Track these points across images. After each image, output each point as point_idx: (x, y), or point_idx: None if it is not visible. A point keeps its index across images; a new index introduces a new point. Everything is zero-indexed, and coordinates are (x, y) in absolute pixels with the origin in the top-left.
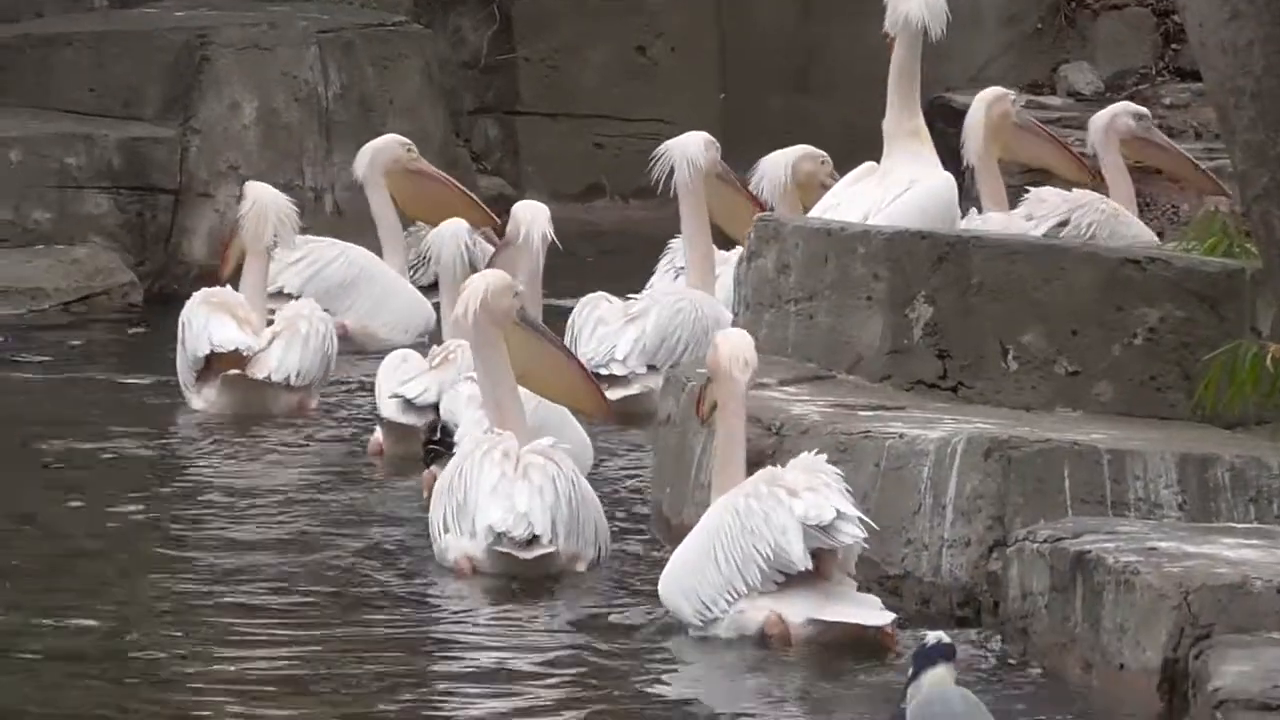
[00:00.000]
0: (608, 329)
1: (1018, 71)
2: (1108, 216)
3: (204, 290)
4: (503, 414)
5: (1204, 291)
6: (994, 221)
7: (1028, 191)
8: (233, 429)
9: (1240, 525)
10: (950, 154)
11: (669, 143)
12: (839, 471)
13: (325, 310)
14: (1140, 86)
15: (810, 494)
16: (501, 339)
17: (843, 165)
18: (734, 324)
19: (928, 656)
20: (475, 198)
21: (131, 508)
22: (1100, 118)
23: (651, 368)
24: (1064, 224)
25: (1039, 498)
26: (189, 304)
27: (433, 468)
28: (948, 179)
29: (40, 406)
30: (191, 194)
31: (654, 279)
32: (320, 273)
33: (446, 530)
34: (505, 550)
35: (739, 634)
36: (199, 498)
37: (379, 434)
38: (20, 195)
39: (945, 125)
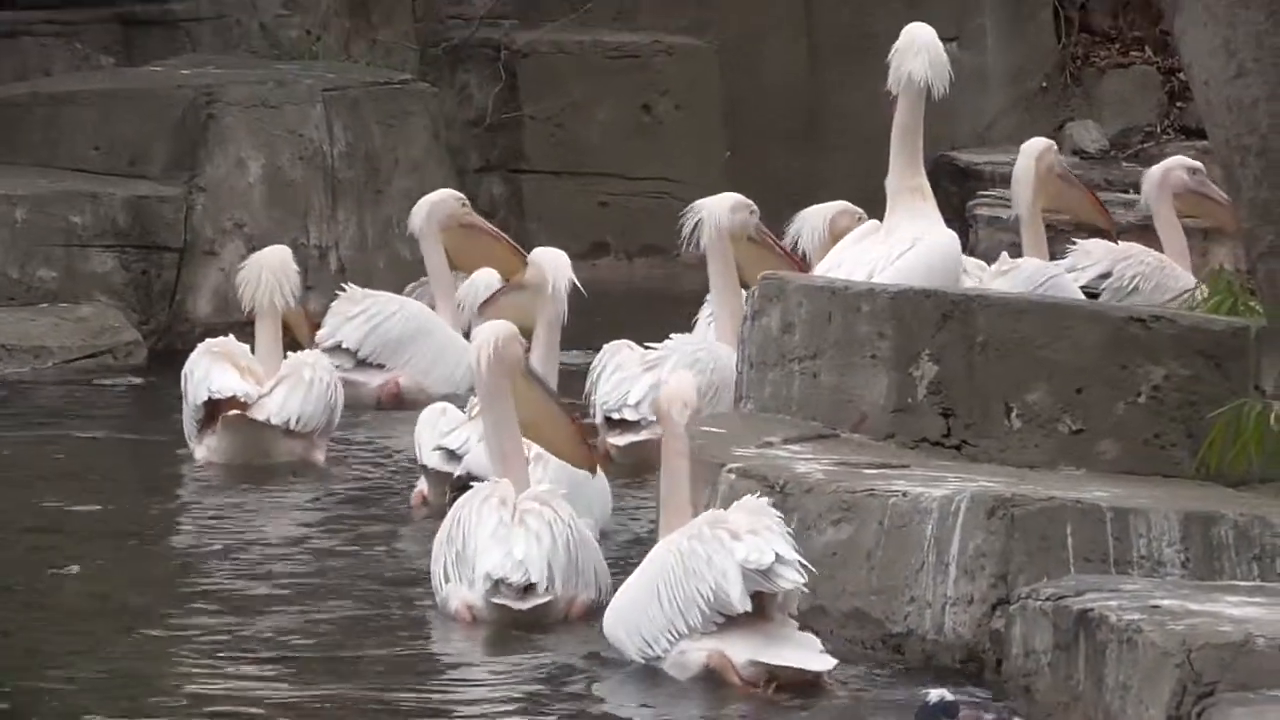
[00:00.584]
0: (624, 375)
1: (1023, 129)
2: (1153, 269)
3: (207, 340)
4: (507, 463)
5: (1209, 350)
6: (1026, 268)
7: (1074, 243)
8: (237, 481)
9: (1244, 583)
10: (954, 212)
11: (698, 202)
12: (780, 515)
13: (380, 365)
14: (1145, 144)
15: (751, 537)
16: (509, 389)
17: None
18: (738, 382)
19: (930, 715)
20: (519, 249)
21: (129, 563)
22: (1154, 172)
23: None
24: (1106, 275)
25: (1042, 556)
26: (192, 355)
27: None
28: (951, 236)
29: (42, 463)
30: (197, 252)
31: (694, 332)
32: (378, 327)
33: (447, 580)
34: (503, 601)
35: (681, 673)
36: (203, 550)
37: (422, 484)
38: (26, 253)
39: (950, 183)
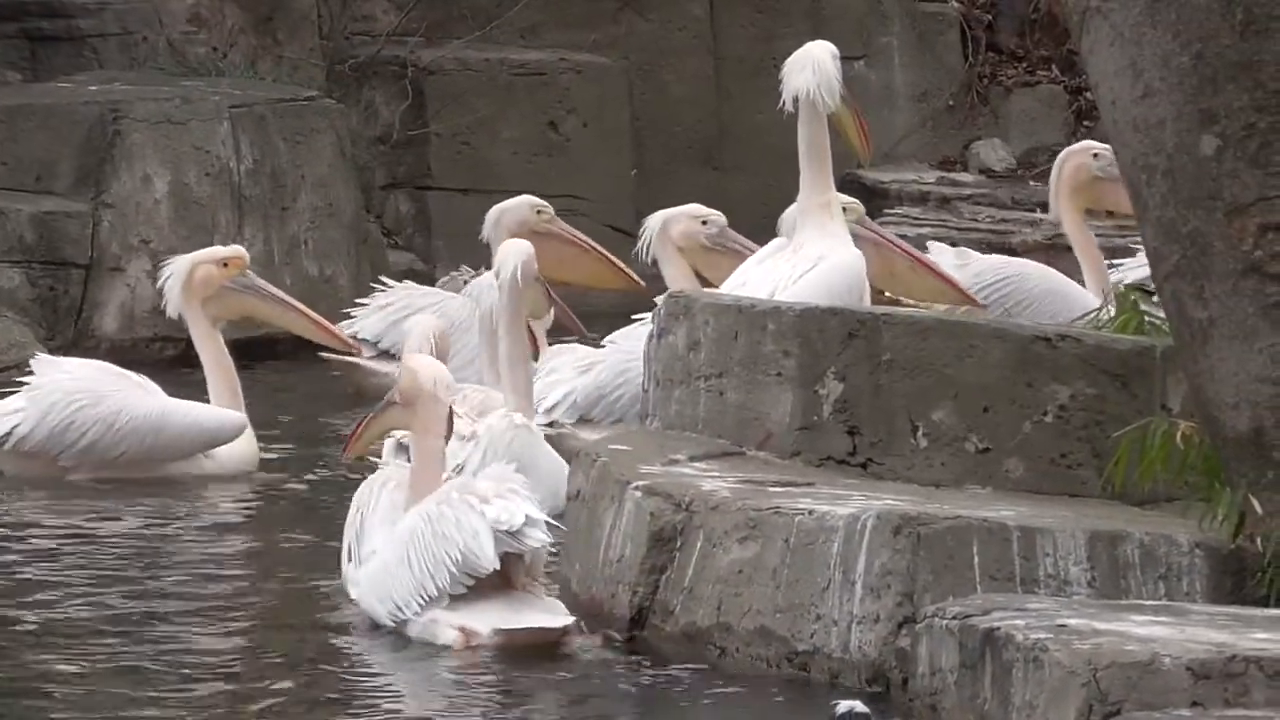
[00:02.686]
0: (557, 378)
1: (930, 148)
2: None
3: None
4: (518, 396)
5: (1114, 369)
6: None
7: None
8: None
9: (1150, 602)
10: None
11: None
12: (527, 481)
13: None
14: (1052, 163)
15: (500, 500)
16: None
17: (756, 241)
18: (643, 400)
19: None
20: (615, 260)
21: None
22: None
23: (586, 420)
24: None
25: (948, 574)
26: None
27: None
28: (856, 255)
29: None
30: (103, 268)
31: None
32: (403, 319)
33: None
34: None
35: (428, 640)
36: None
37: None
38: None
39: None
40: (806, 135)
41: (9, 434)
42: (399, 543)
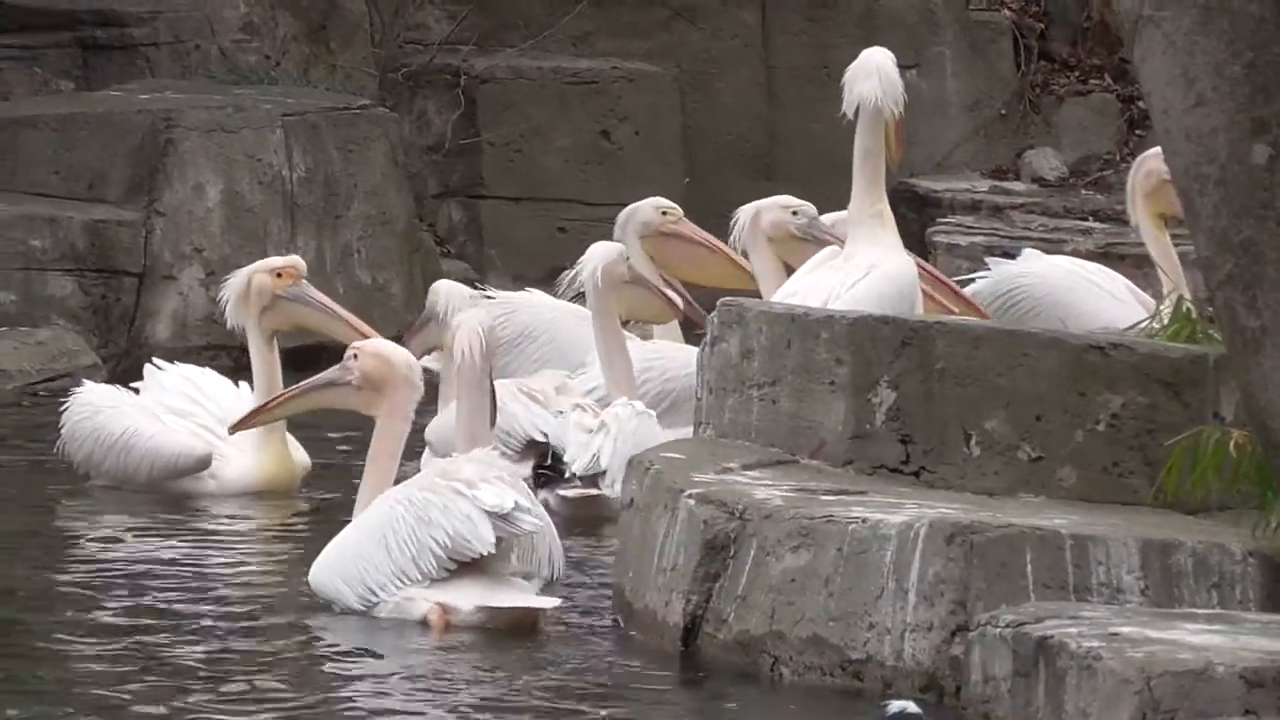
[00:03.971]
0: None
1: (983, 157)
2: None
3: None
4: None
5: (1167, 378)
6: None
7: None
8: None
9: (1202, 611)
10: (913, 239)
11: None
12: (511, 467)
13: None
14: (1104, 172)
15: (488, 485)
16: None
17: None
18: (696, 408)
19: None
20: (742, 260)
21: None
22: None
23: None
24: None
25: (1002, 583)
26: None
27: (546, 494)
28: (908, 262)
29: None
30: (156, 276)
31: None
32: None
33: None
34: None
35: (402, 618)
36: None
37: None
38: None
39: (909, 210)
40: (863, 143)
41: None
42: (370, 526)
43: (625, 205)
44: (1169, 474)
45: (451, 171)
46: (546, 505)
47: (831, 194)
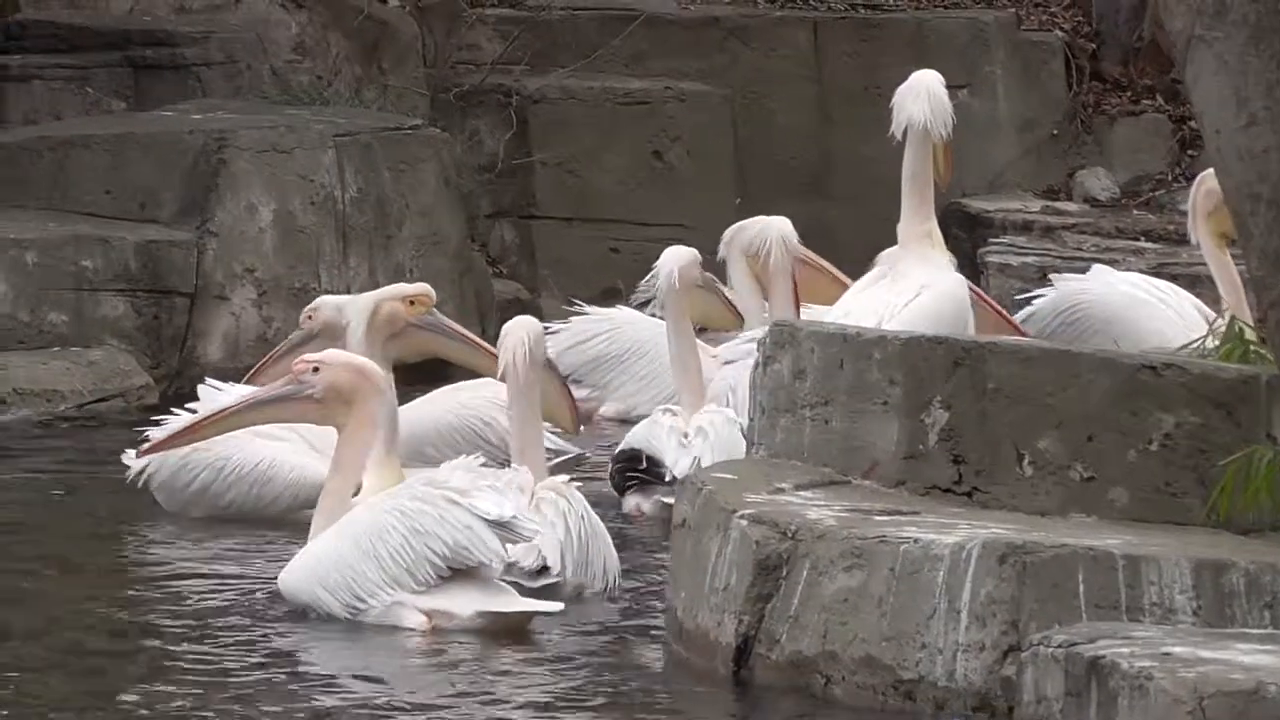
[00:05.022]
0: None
1: (1034, 177)
2: None
3: None
4: (526, 454)
5: (1219, 397)
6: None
7: None
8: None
9: (1255, 631)
10: (965, 259)
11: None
12: (497, 474)
13: (578, 382)
14: (1156, 192)
15: (480, 494)
16: (537, 384)
17: (858, 270)
18: (749, 428)
19: None
20: (848, 281)
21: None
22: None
23: None
24: None
25: (1054, 603)
26: None
27: (631, 498)
28: (959, 281)
29: (57, 506)
30: (208, 297)
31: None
32: (576, 346)
33: None
34: (514, 580)
35: (391, 624)
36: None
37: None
38: (37, 297)
39: (960, 230)
40: (911, 164)
41: (141, 471)
42: (356, 536)
43: (678, 225)
44: (1221, 494)
45: (503, 192)
46: (639, 510)
47: (883, 213)
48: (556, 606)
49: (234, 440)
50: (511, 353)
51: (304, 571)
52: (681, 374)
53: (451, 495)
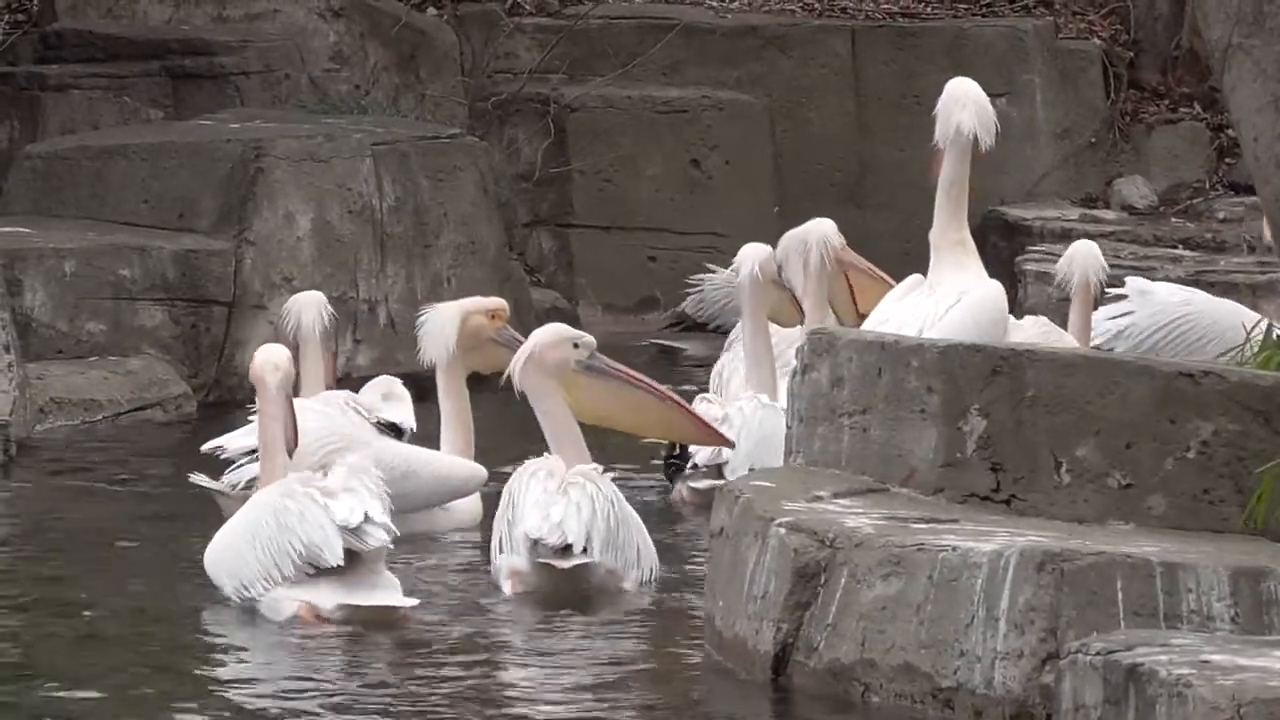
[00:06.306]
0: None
1: (1072, 185)
2: None
3: None
4: (561, 448)
5: (1258, 405)
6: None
7: None
8: None
9: None
10: (1003, 267)
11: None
12: (379, 474)
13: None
14: (1194, 200)
15: (346, 495)
16: (557, 388)
17: (897, 278)
18: (787, 436)
19: None
20: (885, 278)
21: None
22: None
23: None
24: None
25: (1092, 610)
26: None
27: (680, 485)
28: (997, 288)
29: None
30: (246, 306)
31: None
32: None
33: (500, 552)
34: (544, 560)
35: (275, 615)
36: None
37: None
38: (75, 307)
39: (998, 239)
40: (950, 172)
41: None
42: (248, 523)
43: (716, 234)
44: (1259, 501)
45: (541, 200)
46: (680, 497)
47: (920, 221)
48: (412, 602)
49: (380, 441)
50: (516, 359)
51: (213, 553)
52: (755, 367)
53: (314, 494)
